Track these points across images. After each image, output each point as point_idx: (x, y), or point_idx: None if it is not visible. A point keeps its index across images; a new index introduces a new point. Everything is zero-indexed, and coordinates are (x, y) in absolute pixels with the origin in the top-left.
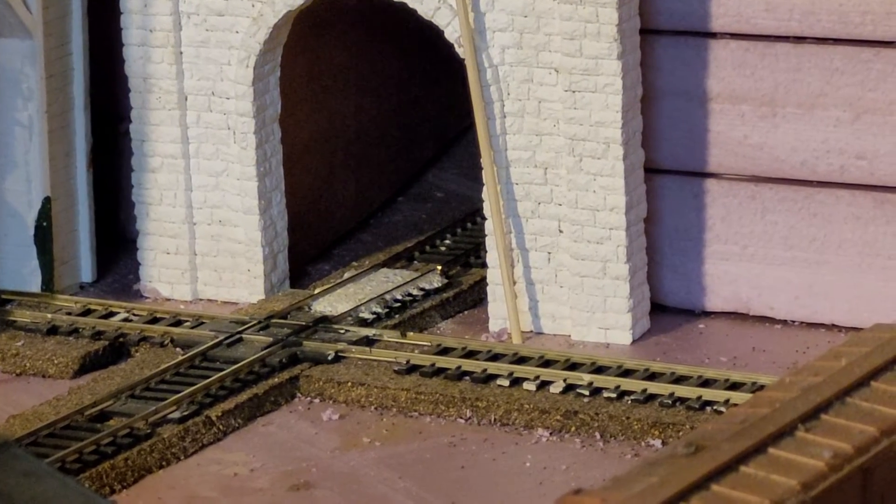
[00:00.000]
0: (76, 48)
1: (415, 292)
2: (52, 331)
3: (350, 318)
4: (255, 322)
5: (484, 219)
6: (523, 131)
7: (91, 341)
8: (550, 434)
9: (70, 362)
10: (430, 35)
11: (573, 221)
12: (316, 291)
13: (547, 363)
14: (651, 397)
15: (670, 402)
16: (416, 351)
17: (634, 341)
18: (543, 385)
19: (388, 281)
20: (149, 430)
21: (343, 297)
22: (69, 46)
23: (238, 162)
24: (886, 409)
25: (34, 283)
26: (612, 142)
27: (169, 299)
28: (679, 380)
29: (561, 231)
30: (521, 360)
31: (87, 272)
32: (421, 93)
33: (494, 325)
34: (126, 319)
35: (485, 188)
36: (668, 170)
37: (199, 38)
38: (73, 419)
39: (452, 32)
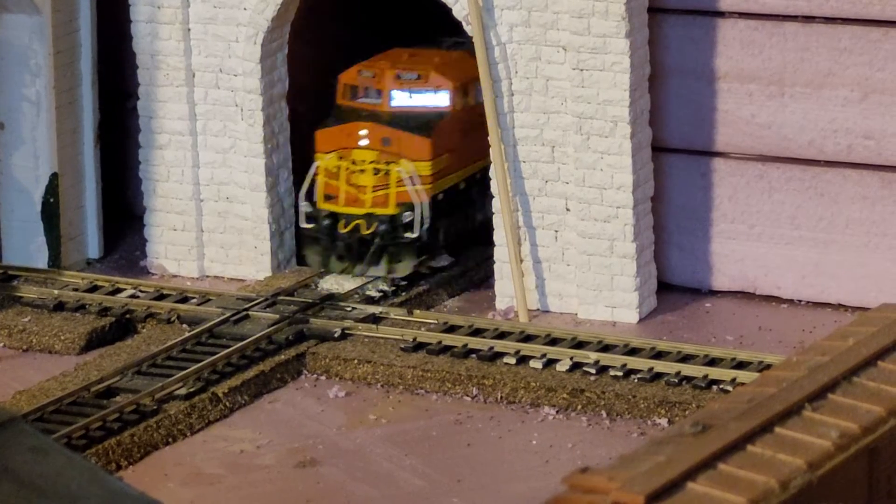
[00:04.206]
0: (84, 24)
1: (422, 270)
2: (59, 307)
3: (357, 296)
4: (261, 299)
5: (491, 196)
6: (531, 109)
7: (98, 317)
8: (557, 412)
9: (76, 338)
10: (439, 12)
11: (580, 200)
12: (322, 269)
13: (553, 341)
14: (657, 376)
15: (677, 380)
16: (423, 329)
17: (641, 320)
18: (550, 363)
19: None
20: (155, 407)
21: (350, 274)
22: (77, 22)
23: (245, 139)
24: (893, 388)
25: (41, 259)
26: (620, 120)
27: (176, 276)
28: (685, 358)
29: (568, 209)
30: (528, 339)
31: (93, 248)
32: None
33: (501, 303)
34: (133, 296)
35: (492, 166)
36: (675, 148)
37: (207, 15)
38: (79, 395)
39: (460, 10)
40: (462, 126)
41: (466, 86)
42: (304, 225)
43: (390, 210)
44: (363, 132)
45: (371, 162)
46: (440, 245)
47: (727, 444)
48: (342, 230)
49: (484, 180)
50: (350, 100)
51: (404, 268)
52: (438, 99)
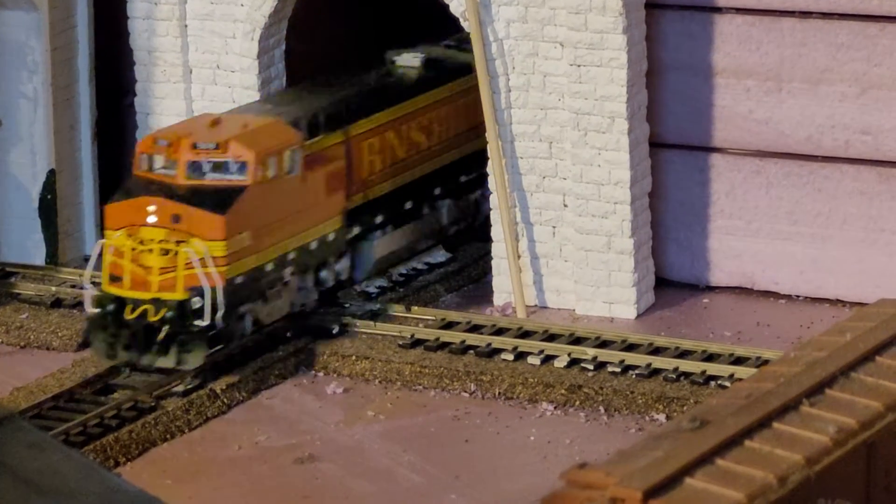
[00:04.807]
0: (81, 20)
1: (420, 266)
2: (57, 303)
3: (355, 292)
4: None
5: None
6: (528, 105)
7: None
8: (555, 408)
9: (74, 335)
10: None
11: (578, 195)
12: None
13: (551, 337)
14: (655, 371)
15: (675, 376)
16: (421, 325)
17: (639, 316)
18: (548, 359)
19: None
20: (153, 403)
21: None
22: (74, 19)
23: None
24: (891, 384)
25: (38, 256)
26: (617, 116)
27: None
28: (683, 354)
29: (566, 205)
30: (526, 335)
31: (91, 245)
32: None
33: (499, 299)
34: None
35: (490, 162)
36: (672, 144)
37: (203, 11)
38: (77, 392)
39: (458, 6)
40: (269, 201)
41: (277, 156)
42: (88, 310)
43: (178, 295)
44: (151, 208)
45: (160, 241)
46: (243, 333)
47: (725, 440)
48: (128, 316)
49: (305, 261)
50: (146, 171)
51: (195, 359)
52: (238, 171)
